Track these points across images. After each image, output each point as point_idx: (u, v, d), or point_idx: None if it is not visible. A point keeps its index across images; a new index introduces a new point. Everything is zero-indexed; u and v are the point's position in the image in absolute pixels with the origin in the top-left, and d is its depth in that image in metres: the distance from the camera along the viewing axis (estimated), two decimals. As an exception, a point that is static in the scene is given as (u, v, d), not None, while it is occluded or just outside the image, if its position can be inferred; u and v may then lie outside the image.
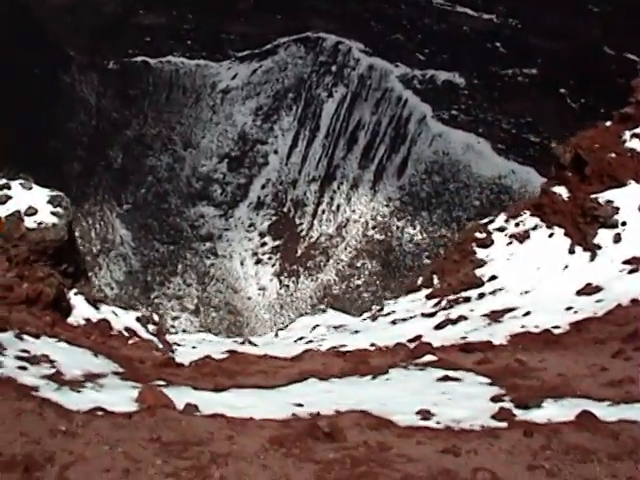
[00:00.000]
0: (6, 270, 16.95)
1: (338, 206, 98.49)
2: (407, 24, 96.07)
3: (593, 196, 21.64)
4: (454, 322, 19.43)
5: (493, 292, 21.89)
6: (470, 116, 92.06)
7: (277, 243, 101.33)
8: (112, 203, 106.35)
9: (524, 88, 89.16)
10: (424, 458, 7.53)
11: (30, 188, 24.53)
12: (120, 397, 9.75)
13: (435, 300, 23.76)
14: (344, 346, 18.63)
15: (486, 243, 24.90)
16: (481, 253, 24.66)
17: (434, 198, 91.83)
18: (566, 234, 22.48)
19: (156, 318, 23.67)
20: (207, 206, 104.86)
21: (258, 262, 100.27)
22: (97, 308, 20.84)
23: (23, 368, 10.37)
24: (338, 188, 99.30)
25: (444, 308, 22.18)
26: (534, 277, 21.56)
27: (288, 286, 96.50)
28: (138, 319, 21.99)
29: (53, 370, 10.82)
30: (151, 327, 22.19)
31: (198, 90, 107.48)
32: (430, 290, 25.34)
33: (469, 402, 10.01)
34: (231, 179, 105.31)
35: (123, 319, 21.14)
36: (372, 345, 17.97)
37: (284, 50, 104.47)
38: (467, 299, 22.18)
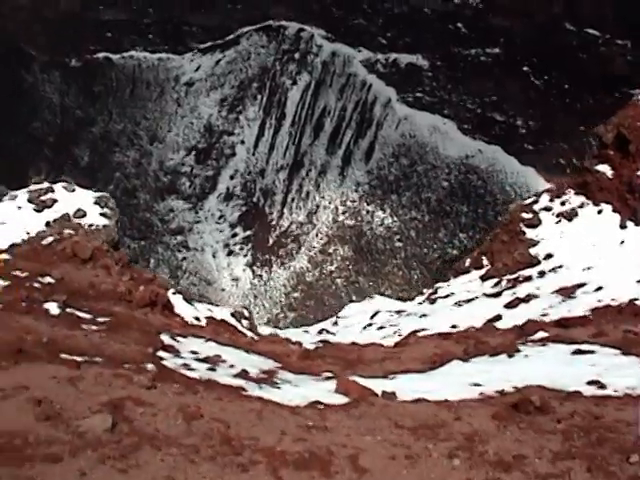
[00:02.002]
0: (119, 274, 16.34)
1: (307, 193, 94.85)
2: (368, 8, 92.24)
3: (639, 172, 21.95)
4: (526, 300, 19.11)
5: (553, 270, 21.63)
6: (435, 97, 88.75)
7: (248, 233, 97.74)
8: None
9: (487, 67, 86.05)
10: None
11: (73, 190, 24.58)
12: (318, 390, 9.71)
13: (493, 280, 23.67)
14: (425, 329, 18.54)
15: (534, 223, 25.05)
16: (530, 233, 24.71)
17: (402, 181, 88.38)
18: (614, 210, 22.79)
19: (246, 313, 23.26)
20: (176, 200, 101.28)
21: (230, 253, 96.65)
22: (192, 306, 20.30)
23: (212, 369, 10.40)
24: (307, 175, 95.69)
25: (507, 288, 21.73)
26: (592, 253, 21.42)
27: (261, 276, 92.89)
28: (233, 315, 21.61)
29: (237, 369, 10.70)
30: (244, 322, 21.99)
31: (162, 84, 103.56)
32: (483, 271, 25.28)
33: (625, 371, 10.08)
34: (199, 171, 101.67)
35: (220, 315, 20.79)
36: (453, 327, 17.87)
37: (246, 40, 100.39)
38: (528, 278, 21.88)
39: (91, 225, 22.44)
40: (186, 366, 10.18)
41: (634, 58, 75.84)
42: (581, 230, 23.09)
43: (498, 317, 17.71)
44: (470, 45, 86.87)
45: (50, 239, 17.66)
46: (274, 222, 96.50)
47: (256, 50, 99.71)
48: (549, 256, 22.92)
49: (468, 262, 27.21)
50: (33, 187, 24.35)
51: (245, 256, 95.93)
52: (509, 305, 19.22)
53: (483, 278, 24.35)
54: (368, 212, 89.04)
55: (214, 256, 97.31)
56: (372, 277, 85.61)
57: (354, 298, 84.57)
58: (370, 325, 23.90)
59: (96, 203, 24.04)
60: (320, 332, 23.81)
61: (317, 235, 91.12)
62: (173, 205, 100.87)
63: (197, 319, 18.58)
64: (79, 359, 9.00)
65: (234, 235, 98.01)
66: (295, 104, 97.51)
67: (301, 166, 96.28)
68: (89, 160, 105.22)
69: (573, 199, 24.53)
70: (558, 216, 24.49)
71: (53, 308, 12.10)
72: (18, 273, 14.68)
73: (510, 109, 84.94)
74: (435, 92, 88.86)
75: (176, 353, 11.01)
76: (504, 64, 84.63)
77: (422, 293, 28.32)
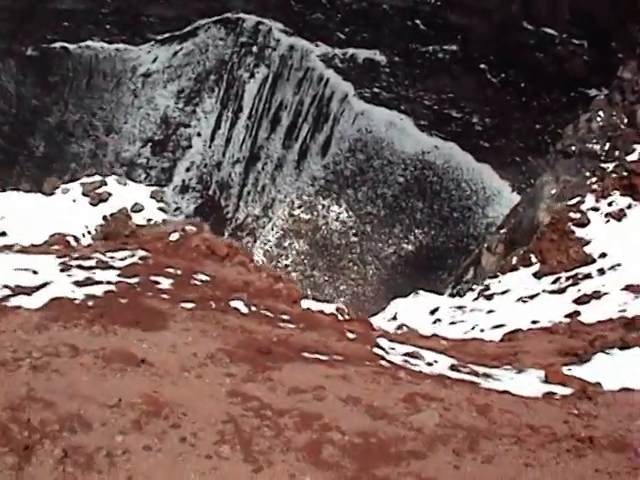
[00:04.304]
0: (256, 270, 15.27)
1: (263, 187, 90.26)
2: (327, 3, 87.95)
3: (687, 174, 21.47)
4: (596, 297, 18.94)
5: (612, 268, 21.36)
6: (392, 93, 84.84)
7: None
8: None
9: (445, 64, 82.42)
10: None
11: (125, 184, 23.53)
12: (530, 381, 9.22)
13: (550, 278, 23.29)
14: (504, 325, 18.42)
15: (583, 222, 24.69)
16: (580, 232, 24.39)
17: (358, 176, 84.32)
18: (663, 210, 23.01)
19: (345, 309, 20.43)
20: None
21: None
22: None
23: (430, 364, 9.76)
24: (262, 169, 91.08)
25: (569, 285, 21.51)
26: (648, 252, 21.33)
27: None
28: (337, 309, 19.10)
29: (445, 364, 9.88)
30: (346, 317, 19.27)
31: (118, 75, 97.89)
32: (534, 269, 24.87)
33: None
34: (155, 163, 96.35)
35: (331, 310, 18.33)
36: (534, 322, 17.71)
37: (204, 32, 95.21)
38: (587, 275, 21.66)
39: (149, 220, 21.21)
40: (406, 362, 9.58)
41: (590, 58, 72.77)
42: (632, 230, 23.06)
43: (577, 312, 17.78)
44: (428, 42, 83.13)
45: (176, 235, 16.07)
46: (230, 215, 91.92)
47: (214, 42, 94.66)
48: (604, 255, 22.49)
49: (515, 260, 26.84)
50: (85, 180, 22.80)
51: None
52: (579, 301, 19.02)
53: (537, 275, 23.92)
54: (324, 206, 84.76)
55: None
56: (327, 271, 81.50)
57: (309, 292, 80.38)
58: (439, 320, 23.42)
59: (152, 197, 22.63)
60: (399, 327, 22.80)
61: (272, 229, 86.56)
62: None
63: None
64: (323, 358, 8.66)
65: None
66: (252, 97, 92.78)
67: (257, 159, 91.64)
68: (44, 150, 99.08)
69: (619, 200, 24.62)
70: (606, 216, 24.31)
71: (241, 307, 11.09)
72: (171, 271, 12.71)
73: (467, 106, 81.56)
74: (392, 88, 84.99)
75: (383, 349, 10.22)
76: (461, 61, 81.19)
77: (472, 289, 27.99)
